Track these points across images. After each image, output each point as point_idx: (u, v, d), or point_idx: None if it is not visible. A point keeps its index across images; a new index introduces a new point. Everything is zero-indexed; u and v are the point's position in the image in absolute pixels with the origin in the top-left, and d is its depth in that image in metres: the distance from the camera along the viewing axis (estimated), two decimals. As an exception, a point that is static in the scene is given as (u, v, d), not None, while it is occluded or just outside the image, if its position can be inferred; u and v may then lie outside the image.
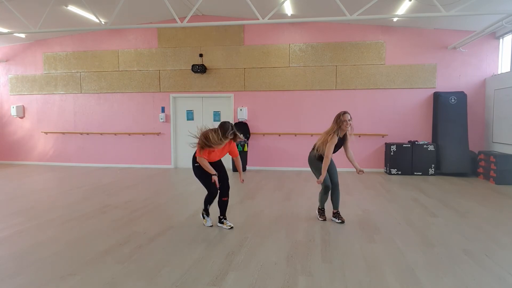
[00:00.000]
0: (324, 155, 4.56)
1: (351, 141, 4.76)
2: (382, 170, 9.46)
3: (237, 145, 9.30)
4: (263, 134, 9.83)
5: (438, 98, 8.86)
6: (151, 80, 10.20)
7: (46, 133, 10.80)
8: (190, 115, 10.23)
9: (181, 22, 7.11)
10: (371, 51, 9.31)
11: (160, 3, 7.57)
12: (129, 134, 10.34)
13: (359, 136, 9.45)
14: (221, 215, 4.67)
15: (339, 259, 3.59)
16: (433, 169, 8.80)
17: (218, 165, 4.60)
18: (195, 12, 9.12)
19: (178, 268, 3.38)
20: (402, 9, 7.69)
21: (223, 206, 4.65)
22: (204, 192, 4.70)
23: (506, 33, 8.42)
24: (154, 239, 4.20)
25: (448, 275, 3.22)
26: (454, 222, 4.86)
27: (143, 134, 10.29)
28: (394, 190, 7.06)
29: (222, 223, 4.64)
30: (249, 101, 9.84)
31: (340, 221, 4.78)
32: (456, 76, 9.09)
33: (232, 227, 4.57)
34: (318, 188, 7.19)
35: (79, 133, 10.63)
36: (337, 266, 3.42)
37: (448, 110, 8.74)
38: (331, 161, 4.73)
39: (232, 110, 9.95)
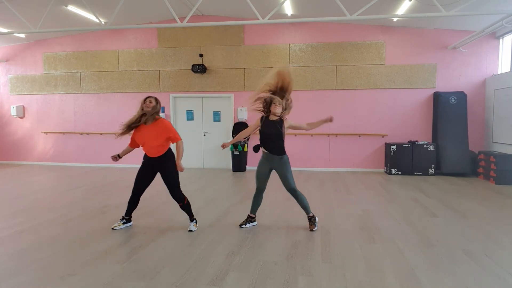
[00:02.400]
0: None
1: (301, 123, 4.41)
2: (382, 170, 9.46)
3: (237, 145, 9.36)
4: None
5: (438, 98, 8.86)
6: (151, 80, 10.20)
7: (46, 133, 10.80)
8: (190, 115, 10.23)
9: (181, 22, 7.11)
10: (371, 51, 9.31)
11: (160, 3, 7.57)
12: (129, 134, 10.33)
13: (359, 136, 9.46)
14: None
15: (339, 259, 3.59)
16: (433, 169, 8.80)
17: (155, 166, 4.39)
18: (195, 12, 9.12)
19: (178, 268, 3.38)
20: (402, 9, 7.68)
21: (184, 211, 4.56)
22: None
23: (506, 33, 8.42)
24: (154, 239, 4.20)
25: (448, 275, 3.22)
26: (454, 222, 4.86)
27: (143, 134, 10.28)
28: (394, 190, 7.06)
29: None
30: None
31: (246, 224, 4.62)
32: (456, 76, 9.09)
33: (191, 230, 4.44)
34: (317, 187, 7.21)
35: (79, 133, 10.63)
36: (337, 266, 3.41)
37: (448, 110, 8.74)
38: (261, 164, 4.46)
39: (232, 110, 9.95)
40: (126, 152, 4.63)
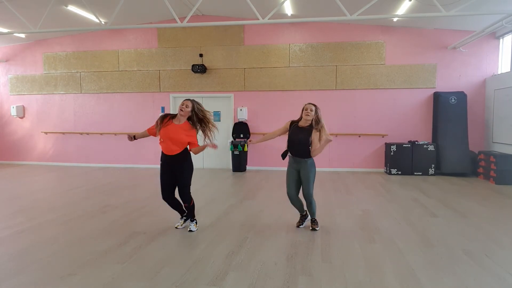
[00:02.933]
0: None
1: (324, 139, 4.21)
2: (382, 170, 9.46)
3: (237, 145, 9.36)
4: (263, 134, 9.82)
5: (438, 98, 8.86)
6: (151, 80, 10.20)
7: (46, 133, 10.79)
8: (190, 115, 10.21)
9: (181, 22, 7.11)
10: (371, 51, 9.31)
11: (160, 3, 7.57)
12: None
13: (359, 136, 9.46)
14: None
15: (339, 259, 3.60)
16: (433, 169, 8.80)
17: (172, 165, 4.33)
18: (195, 12, 9.12)
19: (178, 268, 3.38)
20: (402, 9, 7.68)
21: (187, 211, 4.56)
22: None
23: (506, 33, 8.42)
24: (154, 239, 4.20)
25: (448, 275, 3.22)
26: (454, 222, 4.86)
27: (143, 134, 10.28)
28: (394, 190, 7.06)
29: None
30: (249, 101, 9.84)
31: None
32: (456, 76, 9.09)
33: (191, 231, 4.46)
34: (317, 187, 7.21)
35: (79, 133, 10.63)
36: (337, 266, 3.42)
37: (448, 110, 8.74)
38: (289, 172, 4.48)
39: (232, 110, 9.95)
40: (141, 135, 4.59)
